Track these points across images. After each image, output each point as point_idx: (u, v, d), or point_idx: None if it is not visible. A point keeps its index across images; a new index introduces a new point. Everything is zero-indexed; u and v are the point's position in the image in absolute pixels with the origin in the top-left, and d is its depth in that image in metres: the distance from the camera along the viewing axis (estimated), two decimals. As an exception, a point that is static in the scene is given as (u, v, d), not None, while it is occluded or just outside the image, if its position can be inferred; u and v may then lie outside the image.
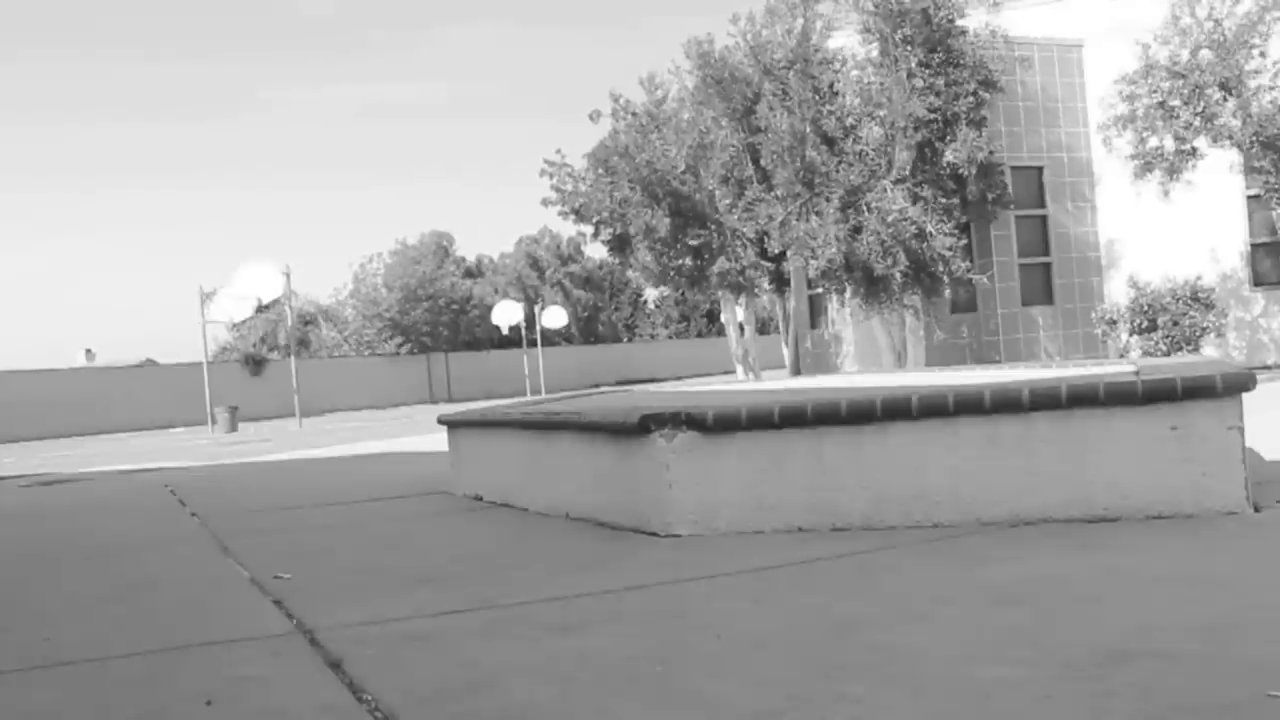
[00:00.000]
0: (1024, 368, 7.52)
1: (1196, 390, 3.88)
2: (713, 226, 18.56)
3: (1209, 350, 15.49)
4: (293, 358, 27.68)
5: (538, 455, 5.43)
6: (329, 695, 2.39)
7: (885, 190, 15.16)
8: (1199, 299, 14.96)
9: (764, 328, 38.89)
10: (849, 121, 15.79)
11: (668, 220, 18.62)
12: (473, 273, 56.46)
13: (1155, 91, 15.01)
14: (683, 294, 23.07)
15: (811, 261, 16.05)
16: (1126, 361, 8.34)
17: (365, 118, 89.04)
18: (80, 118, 79.88)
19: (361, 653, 2.72)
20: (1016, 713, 1.99)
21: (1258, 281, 17.12)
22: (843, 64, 16.33)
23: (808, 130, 15.76)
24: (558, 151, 21.43)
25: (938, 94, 15.21)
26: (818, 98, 15.99)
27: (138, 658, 2.86)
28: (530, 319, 39.42)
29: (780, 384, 8.55)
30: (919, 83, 15.11)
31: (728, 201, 17.98)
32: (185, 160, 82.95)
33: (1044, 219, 17.86)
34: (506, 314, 37.46)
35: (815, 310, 19.48)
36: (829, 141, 15.86)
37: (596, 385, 37.74)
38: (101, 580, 4.23)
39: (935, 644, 2.49)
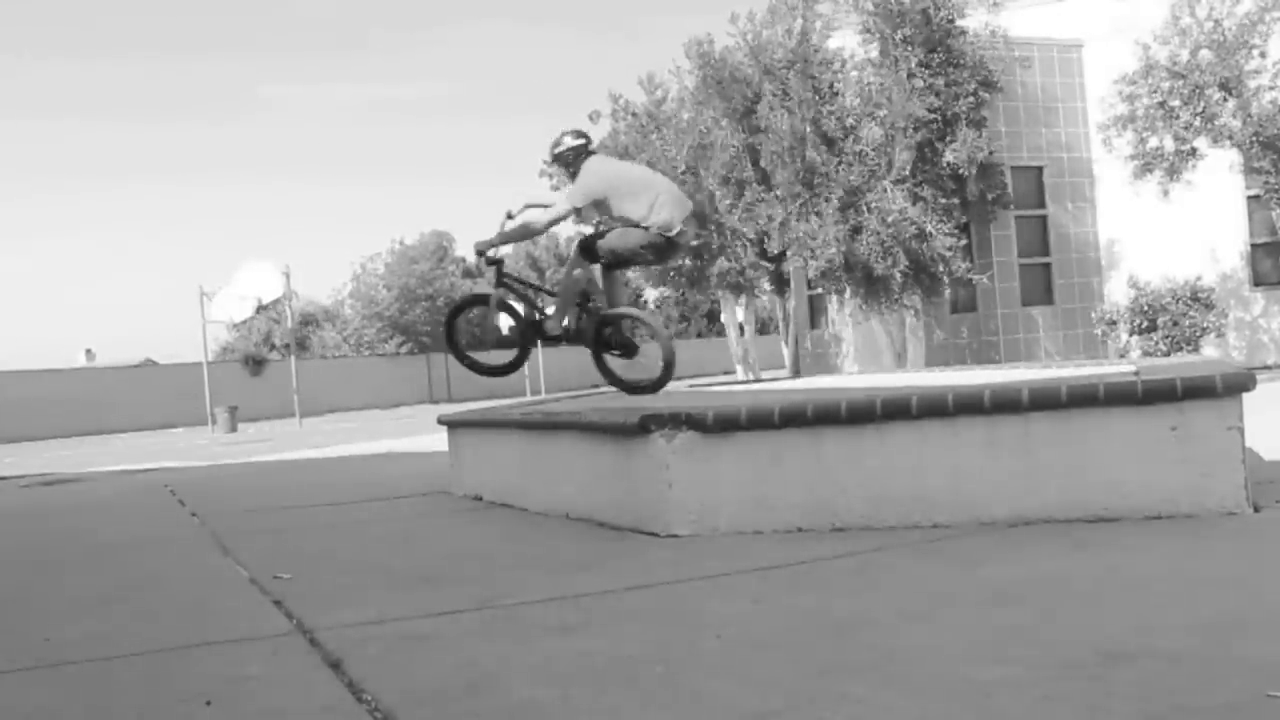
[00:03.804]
0: (1024, 368, 7.52)
1: (1196, 390, 3.88)
2: (713, 227, 18.56)
3: (1209, 350, 15.48)
4: (292, 358, 27.68)
5: (538, 455, 5.43)
6: (329, 695, 2.39)
7: (885, 190, 15.16)
8: (1199, 299, 14.96)
9: (764, 328, 38.88)
10: (849, 122, 15.79)
11: (667, 220, 18.58)
12: (472, 273, 56.44)
13: (1155, 92, 15.01)
14: (683, 294, 23.04)
15: (811, 262, 16.05)
16: (1126, 362, 8.35)
17: (365, 118, 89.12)
18: (80, 118, 79.91)
19: (361, 653, 2.72)
20: (1016, 713, 1.99)
21: (1258, 281, 17.12)
22: (843, 64, 16.33)
23: (808, 130, 15.76)
24: (557, 152, 21.38)
25: (938, 94, 15.22)
26: (818, 98, 15.99)
27: (138, 658, 2.85)
28: (530, 319, 39.31)
29: (780, 384, 8.55)
30: (919, 83, 15.12)
31: (728, 202, 17.97)
32: (185, 160, 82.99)
33: (1044, 219, 17.85)
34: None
35: (815, 310, 19.47)
36: (829, 142, 15.86)
37: (596, 385, 37.68)
38: (102, 580, 4.23)
39: (935, 644, 2.48)
